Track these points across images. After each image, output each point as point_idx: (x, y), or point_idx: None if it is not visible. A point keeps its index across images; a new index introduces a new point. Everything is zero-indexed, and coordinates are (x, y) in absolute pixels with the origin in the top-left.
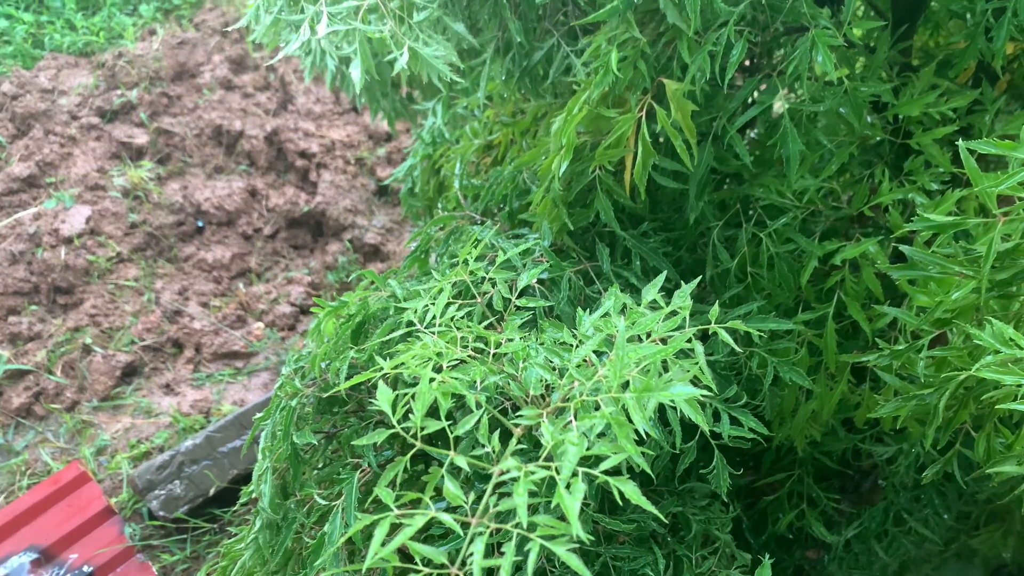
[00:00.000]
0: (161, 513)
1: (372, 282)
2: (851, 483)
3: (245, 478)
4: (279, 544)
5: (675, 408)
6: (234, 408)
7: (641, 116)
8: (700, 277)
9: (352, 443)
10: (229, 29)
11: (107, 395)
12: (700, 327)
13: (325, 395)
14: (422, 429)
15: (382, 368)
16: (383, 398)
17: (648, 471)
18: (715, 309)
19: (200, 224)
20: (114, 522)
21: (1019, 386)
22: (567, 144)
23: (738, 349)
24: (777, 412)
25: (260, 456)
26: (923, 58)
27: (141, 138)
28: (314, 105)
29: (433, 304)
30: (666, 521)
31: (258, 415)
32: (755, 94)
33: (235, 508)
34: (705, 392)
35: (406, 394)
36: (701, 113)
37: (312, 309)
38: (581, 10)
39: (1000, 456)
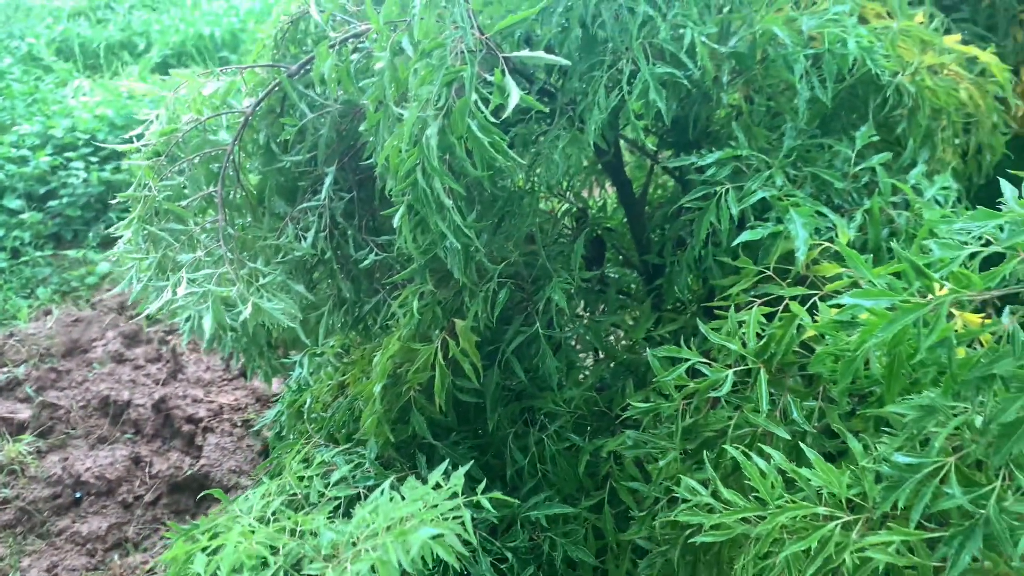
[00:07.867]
0: None
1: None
2: None
3: None
4: None
5: None
6: None
7: (437, 346)
8: (471, 463)
9: None
10: (128, 305)
11: None
12: (470, 497)
13: None
14: None
15: (202, 543)
16: (199, 563)
17: None
18: (498, 494)
19: (78, 495)
20: None
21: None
22: (381, 371)
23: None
24: None
25: None
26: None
27: (24, 413)
28: (204, 373)
29: (260, 500)
30: None
31: None
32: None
33: None
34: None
35: (219, 555)
36: (488, 343)
37: (165, 533)
38: (400, 271)
39: None
